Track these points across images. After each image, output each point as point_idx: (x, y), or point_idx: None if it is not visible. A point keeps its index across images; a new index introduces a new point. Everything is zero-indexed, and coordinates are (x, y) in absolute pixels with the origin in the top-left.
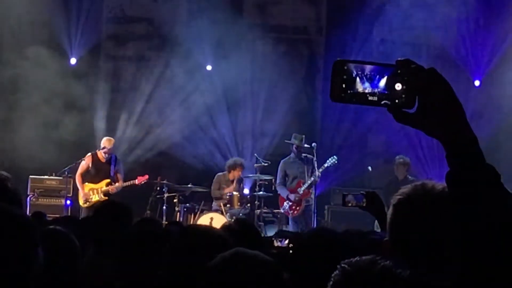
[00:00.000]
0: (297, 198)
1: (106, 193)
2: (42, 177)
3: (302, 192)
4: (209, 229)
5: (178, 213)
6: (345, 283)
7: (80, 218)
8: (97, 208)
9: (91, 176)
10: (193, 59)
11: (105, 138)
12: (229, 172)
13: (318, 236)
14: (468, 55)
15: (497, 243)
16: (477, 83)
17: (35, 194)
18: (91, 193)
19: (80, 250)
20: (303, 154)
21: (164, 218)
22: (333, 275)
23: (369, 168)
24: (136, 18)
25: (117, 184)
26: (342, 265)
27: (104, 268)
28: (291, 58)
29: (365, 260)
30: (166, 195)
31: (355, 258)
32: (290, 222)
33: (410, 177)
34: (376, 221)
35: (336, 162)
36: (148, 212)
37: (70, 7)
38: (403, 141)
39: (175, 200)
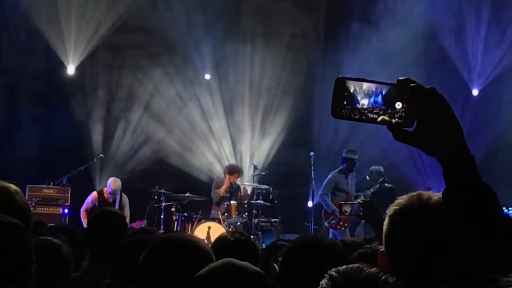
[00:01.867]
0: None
1: None
2: (40, 186)
3: None
4: (184, 238)
5: (176, 222)
6: None
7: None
8: (92, 217)
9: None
10: (191, 68)
11: (111, 179)
12: (225, 175)
13: (306, 244)
14: (467, 64)
15: (491, 260)
16: (475, 92)
17: (33, 203)
18: None
19: (72, 260)
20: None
21: (162, 227)
22: (321, 282)
23: (368, 177)
24: (134, 27)
25: None
26: (330, 272)
27: (99, 278)
28: (289, 66)
29: (352, 267)
30: (164, 204)
31: (343, 266)
32: (331, 236)
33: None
34: (357, 229)
35: (386, 184)
36: (146, 221)
37: (67, 16)
38: (401, 149)
39: (173, 209)
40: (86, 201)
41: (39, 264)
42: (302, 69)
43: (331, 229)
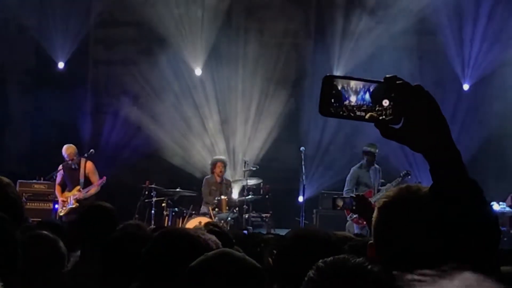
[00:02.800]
0: None
1: (77, 200)
2: (31, 181)
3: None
4: (187, 232)
5: (167, 217)
6: (318, 279)
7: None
8: (81, 211)
9: (67, 184)
10: (182, 63)
11: (64, 147)
12: (212, 172)
13: (301, 237)
14: (459, 59)
15: (478, 253)
16: (466, 87)
17: (23, 199)
18: (66, 201)
19: (66, 255)
20: (374, 164)
21: (153, 222)
22: (308, 273)
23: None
24: (125, 21)
25: (84, 190)
26: (317, 263)
27: (90, 272)
28: (280, 62)
29: (338, 258)
30: (154, 199)
31: (330, 258)
32: (356, 230)
33: None
34: (347, 224)
35: (409, 176)
36: (137, 216)
37: (58, 11)
38: (391, 142)
39: (163, 204)
40: (57, 177)
41: (35, 258)
42: (294, 64)
43: (354, 224)
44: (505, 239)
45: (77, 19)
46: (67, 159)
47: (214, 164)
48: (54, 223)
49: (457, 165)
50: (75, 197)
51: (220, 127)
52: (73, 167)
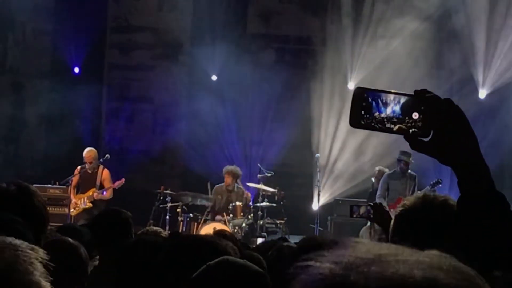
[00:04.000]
0: None
1: (91, 200)
2: (46, 185)
3: None
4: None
5: (181, 223)
6: None
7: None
8: (95, 217)
9: (81, 187)
10: (197, 69)
11: (85, 150)
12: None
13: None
14: (476, 67)
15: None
16: (482, 95)
17: None
18: (79, 201)
19: (87, 262)
20: (408, 171)
21: (167, 227)
22: None
23: (373, 179)
24: (140, 27)
25: (100, 191)
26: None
27: (107, 278)
28: (294, 68)
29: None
30: (169, 204)
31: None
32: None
33: None
34: (361, 231)
35: (440, 184)
36: (151, 221)
37: (74, 16)
38: (403, 145)
39: (178, 210)
40: (72, 179)
41: (56, 265)
42: (308, 71)
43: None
44: None
45: (93, 23)
46: (85, 161)
47: (224, 173)
48: (74, 228)
49: (486, 179)
50: (90, 198)
51: (235, 133)
52: (90, 171)
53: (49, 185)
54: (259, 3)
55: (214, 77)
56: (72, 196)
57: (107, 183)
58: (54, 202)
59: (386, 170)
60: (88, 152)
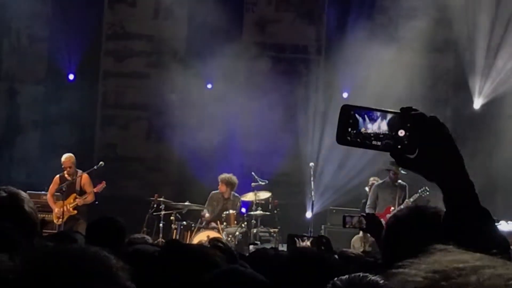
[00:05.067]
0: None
1: (74, 207)
2: (39, 192)
3: None
4: (194, 247)
5: (175, 231)
6: None
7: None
8: (90, 224)
9: (61, 195)
10: (193, 77)
11: (63, 156)
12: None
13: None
14: (468, 77)
15: None
16: (476, 105)
17: None
18: (62, 209)
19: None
20: (398, 181)
21: (161, 235)
22: None
23: (366, 188)
24: (136, 34)
25: (81, 197)
26: (333, 281)
27: None
28: (289, 77)
29: (355, 276)
30: (163, 212)
31: (346, 275)
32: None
33: None
34: (352, 239)
35: (428, 192)
36: (145, 229)
37: (69, 23)
38: None
39: (172, 218)
40: (50, 187)
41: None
42: (303, 79)
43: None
44: None
45: (88, 31)
46: (64, 167)
47: (219, 182)
48: (68, 236)
49: (471, 195)
50: (72, 205)
51: (230, 142)
52: (69, 178)
53: (43, 192)
54: (255, 11)
55: (209, 85)
56: (52, 204)
57: (87, 187)
58: (46, 209)
59: (381, 180)
60: (66, 157)
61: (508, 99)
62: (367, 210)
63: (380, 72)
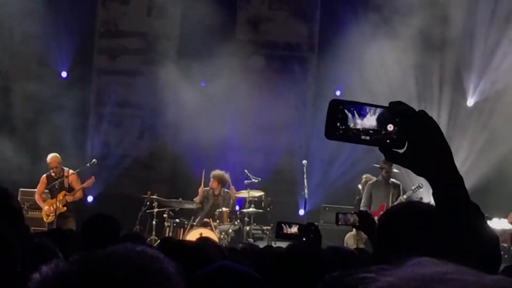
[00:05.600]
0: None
1: (65, 204)
2: (32, 190)
3: None
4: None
5: (168, 228)
6: None
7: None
8: (85, 222)
9: (50, 193)
10: (186, 74)
11: (48, 156)
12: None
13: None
14: (459, 75)
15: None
16: (469, 102)
17: (25, 207)
18: (52, 207)
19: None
20: (391, 179)
21: (154, 233)
22: (317, 286)
23: (359, 186)
24: (129, 32)
25: (71, 193)
26: (324, 277)
27: None
28: (283, 74)
29: (345, 272)
30: (156, 210)
31: (337, 272)
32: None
33: None
34: (346, 237)
35: (421, 188)
36: (138, 227)
37: (62, 20)
38: None
39: (165, 215)
40: (38, 187)
41: (33, 266)
42: (296, 76)
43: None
44: (506, 256)
45: (82, 28)
46: (51, 167)
47: (211, 177)
48: (60, 232)
49: (460, 189)
50: (62, 202)
51: (223, 139)
52: (56, 176)
53: (35, 190)
54: (248, 9)
55: (202, 83)
56: (41, 203)
57: (75, 184)
58: (39, 207)
59: (374, 178)
60: (52, 158)
61: (502, 96)
62: (362, 209)
63: (373, 70)
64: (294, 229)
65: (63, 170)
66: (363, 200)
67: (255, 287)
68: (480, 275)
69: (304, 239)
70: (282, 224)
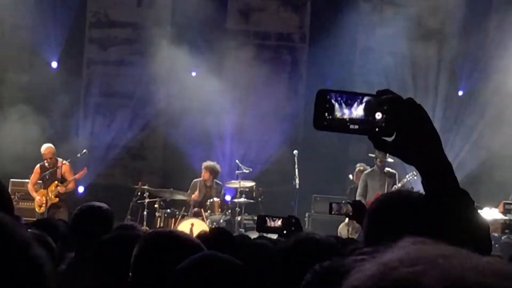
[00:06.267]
0: None
1: (57, 195)
2: (23, 180)
3: None
4: (178, 234)
5: (159, 219)
6: (315, 282)
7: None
8: (77, 212)
9: (43, 184)
10: (177, 64)
11: (43, 146)
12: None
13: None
14: (451, 65)
15: None
16: (460, 93)
17: (16, 198)
18: (44, 198)
19: (58, 253)
20: (386, 169)
21: (145, 223)
22: (305, 277)
23: (350, 176)
24: (120, 22)
25: (63, 184)
26: (314, 267)
27: (84, 273)
28: (274, 65)
29: (335, 262)
30: (147, 200)
31: (327, 262)
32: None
33: None
34: (339, 227)
35: (416, 177)
36: (129, 217)
37: (53, 11)
38: None
39: (156, 206)
40: (31, 177)
41: None
42: (288, 67)
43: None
44: (496, 245)
45: (72, 18)
46: (44, 158)
47: (202, 169)
48: (49, 222)
49: (449, 177)
50: (54, 192)
51: (215, 129)
52: (49, 167)
53: (27, 180)
54: None
55: (193, 73)
56: (33, 193)
57: (68, 175)
58: (30, 197)
59: (368, 168)
60: (46, 148)
61: (495, 87)
62: (357, 199)
63: (365, 60)
64: (278, 223)
65: (57, 160)
66: (358, 190)
67: (240, 276)
68: (476, 257)
69: (285, 232)
70: (266, 218)
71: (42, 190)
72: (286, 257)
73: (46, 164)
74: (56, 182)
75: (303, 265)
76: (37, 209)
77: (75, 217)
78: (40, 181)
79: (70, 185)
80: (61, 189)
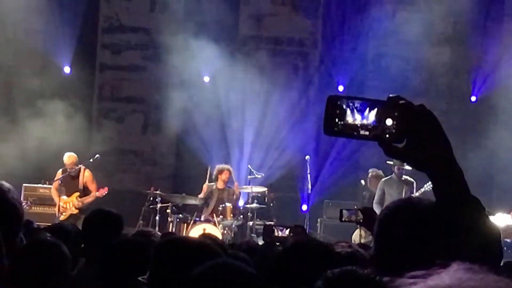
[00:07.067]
0: None
1: (76, 207)
2: (36, 185)
3: None
4: (192, 240)
5: (171, 224)
6: None
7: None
8: (87, 217)
9: (64, 190)
10: (189, 70)
11: (65, 155)
12: (217, 179)
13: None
14: (464, 70)
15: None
16: (473, 98)
17: (28, 203)
18: (65, 206)
19: (70, 260)
20: (404, 176)
21: (157, 228)
22: (316, 283)
23: (362, 181)
24: (132, 27)
25: (83, 199)
26: (325, 274)
27: (92, 278)
28: (286, 70)
29: (346, 269)
30: (159, 205)
31: (338, 269)
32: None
33: None
34: (353, 234)
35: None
36: (141, 222)
37: (65, 16)
38: None
39: (168, 211)
40: (54, 181)
41: (36, 262)
42: (299, 72)
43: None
44: (509, 251)
45: (85, 24)
46: (67, 167)
47: (220, 171)
48: (62, 227)
49: (460, 183)
50: (75, 204)
51: (226, 134)
52: (72, 174)
53: (39, 185)
54: (251, 4)
55: (206, 78)
56: (56, 197)
57: (89, 184)
58: (43, 202)
59: (380, 172)
60: (69, 158)
61: (506, 92)
62: (374, 207)
63: (377, 65)
64: (286, 232)
65: (79, 169)
66: (375, 197)
67: (253, 283)
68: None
69: None
70: (273, 228)
71: (65, 198)
72: (280, 261)
73: (69, 171)
74: (77, 193)
75: (298, 269)
76: (57, 215)
77: (84, 222)
78: (63, 187)
79: (89, 200)
80: (78, 204)
